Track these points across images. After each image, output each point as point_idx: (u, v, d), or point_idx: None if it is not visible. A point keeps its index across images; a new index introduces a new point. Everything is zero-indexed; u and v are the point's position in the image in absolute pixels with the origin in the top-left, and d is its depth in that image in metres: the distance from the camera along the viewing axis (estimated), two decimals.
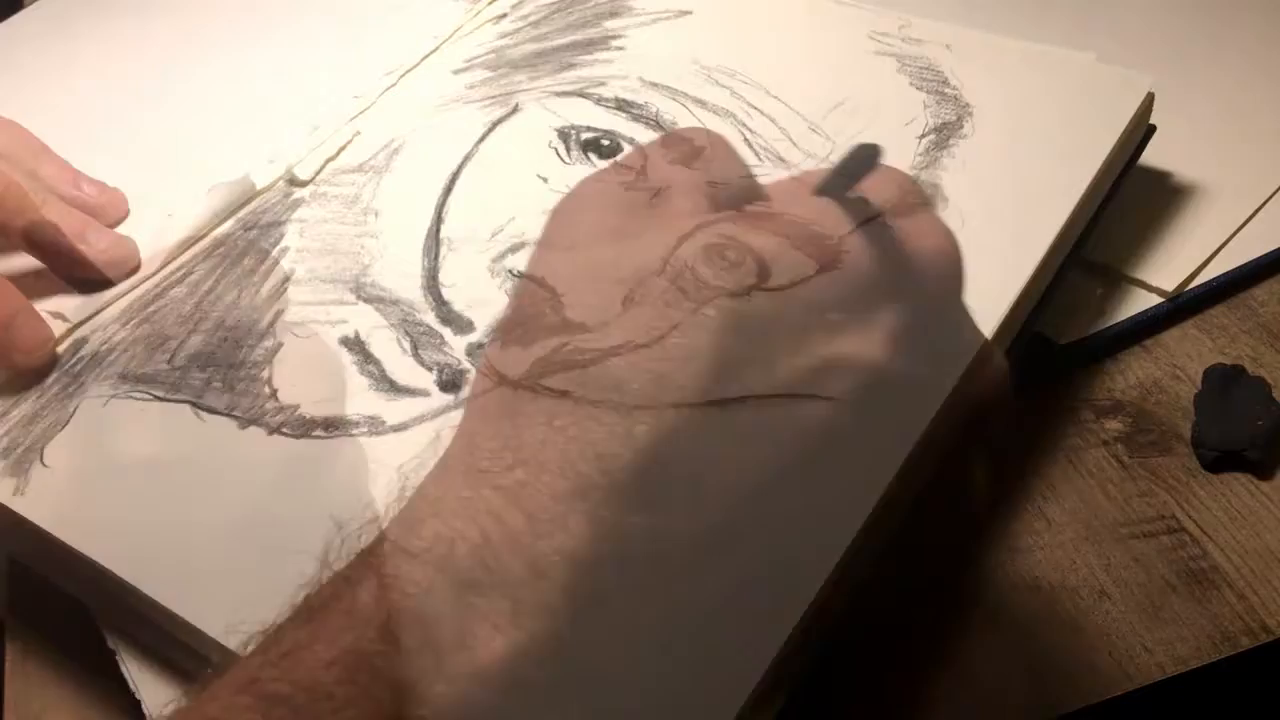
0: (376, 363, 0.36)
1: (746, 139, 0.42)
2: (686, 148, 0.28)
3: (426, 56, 0.48)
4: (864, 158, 0.25)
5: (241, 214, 0.42)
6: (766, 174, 0.41)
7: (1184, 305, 0.42)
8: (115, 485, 0.33)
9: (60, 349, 0.37)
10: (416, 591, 0.20)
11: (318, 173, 0.43)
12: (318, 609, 0.21)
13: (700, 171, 0.27)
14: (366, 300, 0.38)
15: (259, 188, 0.42)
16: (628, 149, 0.42)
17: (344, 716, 0.19)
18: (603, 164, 0.42)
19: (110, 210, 0.41)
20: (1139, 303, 0.42)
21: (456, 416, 0.34)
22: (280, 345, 0.37)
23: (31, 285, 0.39)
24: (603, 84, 0.45)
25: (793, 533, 0.25)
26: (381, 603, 0.20)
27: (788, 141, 0.42)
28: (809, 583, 0.25)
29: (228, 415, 0.35)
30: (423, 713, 0.19)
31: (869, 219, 0.25)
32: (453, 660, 0.20)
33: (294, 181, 0.43)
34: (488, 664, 0.20)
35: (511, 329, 0.24)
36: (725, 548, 0.23)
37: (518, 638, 0.20)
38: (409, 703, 0.19)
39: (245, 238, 0.41)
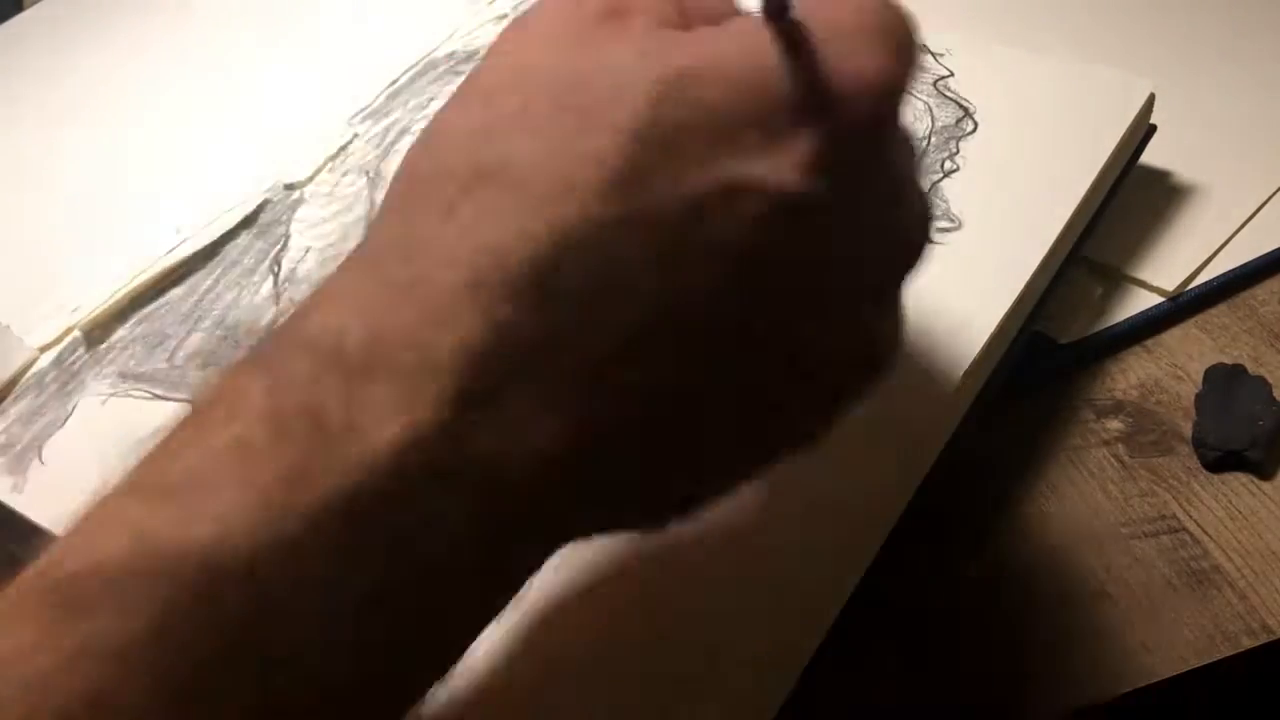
0: None
1: None
2: None
3: (427, 56, 0.48)
4: None
5: (241, 214, 0.41)
6: None
7: (1185, 305, 0.42)
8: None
9: (60, 346, 0.37)
10: (303, 380, 0.20)
11: (317, 172, 0.43)
12: (200, 410, 0.21)
13: None
14: None
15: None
16: None
17: (231, 504, 0.19)
18: None
19: None
20: (1140, 302, 0.42)
21: None
22: None
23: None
24: None
25: None
26: (268, 392, 0.20)
27: None
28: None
29: None
30: (312, 499, 0.19)
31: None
32: (342, 449, 0.19)
33: (292, 184, 0.43)
34: (375, 452, 0.19)
35: None
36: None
37: (405, 425, 0.20)
38: (301, 491, 0.19)
39: (245, 237, 0.41)
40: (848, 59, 0.22)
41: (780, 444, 0.24)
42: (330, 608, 0.19)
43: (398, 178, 0.23)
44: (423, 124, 0.44)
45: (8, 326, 0.38)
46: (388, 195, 0.23)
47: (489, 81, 0.23)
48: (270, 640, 0.19)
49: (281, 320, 0.22)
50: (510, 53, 0.23)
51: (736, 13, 0.25)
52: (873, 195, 0.23)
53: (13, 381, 0.37)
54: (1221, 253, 0.43)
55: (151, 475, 0.20)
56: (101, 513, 0.20)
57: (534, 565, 0.23)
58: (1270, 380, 0.38)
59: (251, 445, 0.19)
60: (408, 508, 0.20)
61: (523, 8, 0.50)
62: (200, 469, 0.20)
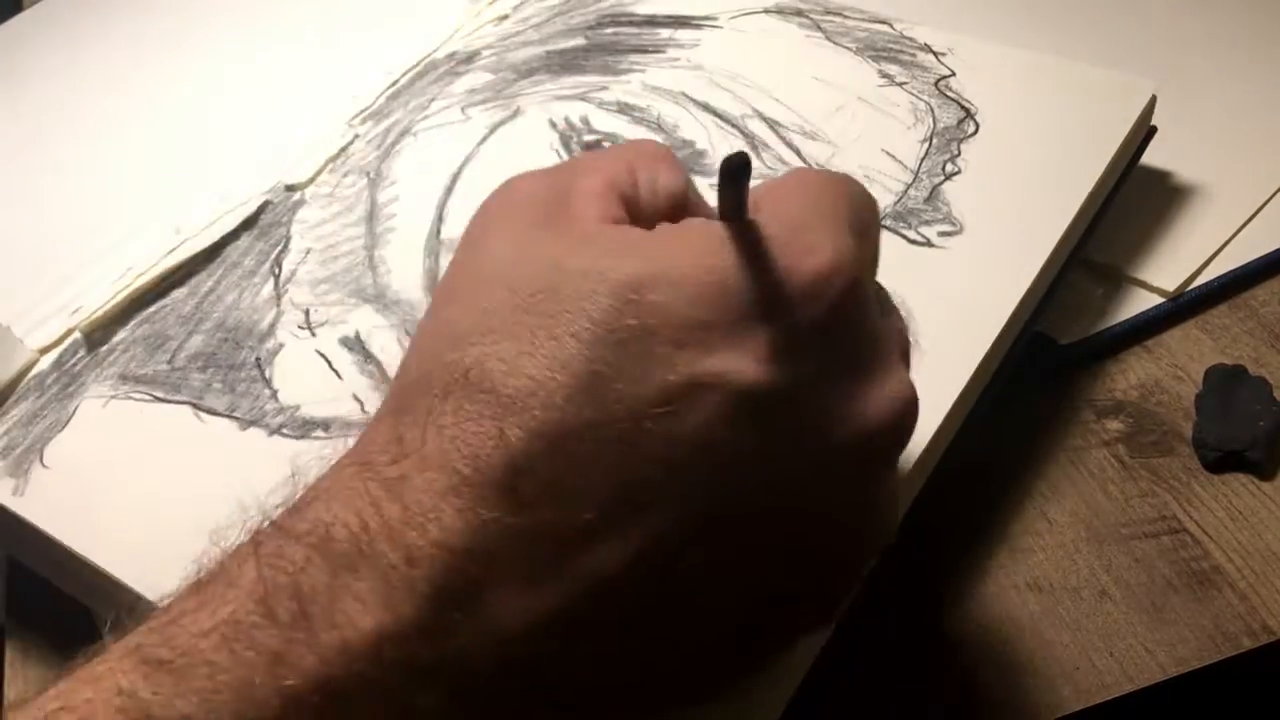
0: (377, 363, 0.36)
1: (749, 142, 0.42)
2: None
3: (427, 57, 0.48)
4: (731, 172, 0.24)
5: (242, 215, 0.41)
6: (770, 175, 0.41)
7: (1185, 305, 0.42)
8: (115, 486, 0.33)
9: (61, 348, 0.37)
10: (293, 567, 0.21)
11: (318, 173, 0.43)
12: (204, 582, 0.22)
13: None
14: (367, 301, 0.38)
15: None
16: None
17: (219, 681, 0.20)
18: None
19: None
20: (1140, 303, 0.42)
21: None
22: (281, 346, 0.37)
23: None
24: (604, 88, 0.45)
25: None
26: (261, 578, 0.21)
27: (787, 145, 0.42)
28: None
29: (228, 416, 0.35)
30: (293, 682, 0.20)
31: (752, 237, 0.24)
32: (324, 636, 0.21)
33: (292, 185, 0.43)
34: (353, 642, 0.21)
35: None
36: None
37: (383, 619, 0.21)
38: (282, 672, 0.20)
39: (246, 239, 0.41)
40: (803, 253, 0.23)
41: (788, 632, 0.25)
42: None
43: (395, 379, 0.25)
44: (423, 124, 0.44)
45: (8, 327, 0.38)
46: (387, 397, 0.24)
47: (460, 283, 0.25)
48: None
49: (283, 508, 0.23)
50: (478, 249, 0.25)
51: (687, 201, 0.26)
52: (840, 379, 0.24)
53: (13, 383, 0.37)
54: (1222, 253, 0.43)
55: (152, 641, 0.21)
56: (101, 670, 0.21)
57: None
58: (1271, 381, 0.38)
59: (242, 625, 0.21)
60: (381, 696, 0.21)
61: (523, 9, 0.50)
62: (195, 644, 0.21)
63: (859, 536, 0.25)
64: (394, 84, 0.47)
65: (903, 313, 0.28)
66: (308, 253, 0.40)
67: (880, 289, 0.28)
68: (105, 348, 0.37)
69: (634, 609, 0.22)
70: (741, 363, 0.22)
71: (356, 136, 0.44)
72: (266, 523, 0.23)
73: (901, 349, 0.26)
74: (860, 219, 0.25)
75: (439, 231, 0.40)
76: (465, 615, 0.21)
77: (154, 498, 0.33)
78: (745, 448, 0.22)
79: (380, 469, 0.22)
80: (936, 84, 0.44)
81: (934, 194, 0.39)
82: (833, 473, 0.24)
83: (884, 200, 0.39)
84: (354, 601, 0.21)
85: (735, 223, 0.24)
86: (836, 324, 0.23)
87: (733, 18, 0.48)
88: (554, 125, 0.44)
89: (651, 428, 0.22)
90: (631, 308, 0.22)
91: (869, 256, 0.26)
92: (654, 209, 0.26)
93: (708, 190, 0.40)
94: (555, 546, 0.22)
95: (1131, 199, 0.43)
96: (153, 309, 0.39)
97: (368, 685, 0.21)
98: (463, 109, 0.45)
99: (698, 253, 0.23)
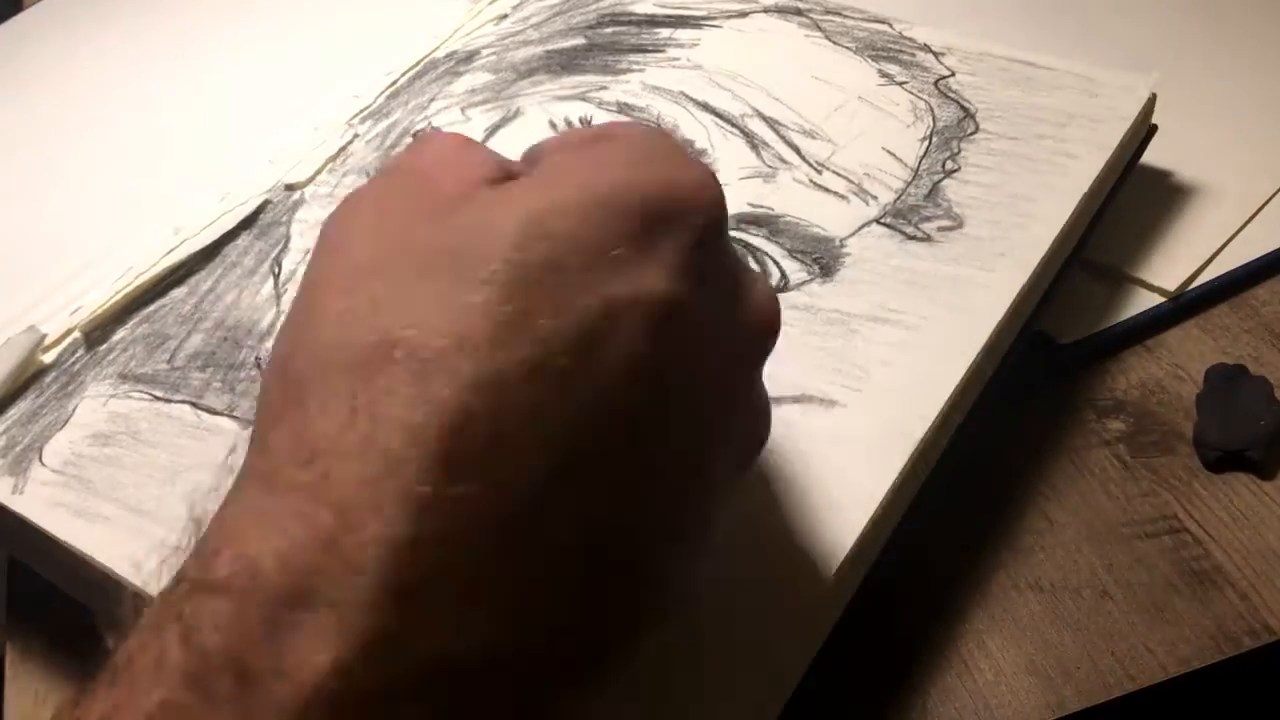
0: None
1: (749, 141, 0.42)
2: None
3: (427, 56, 0.48)
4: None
5: (241, 214, 0.41)
6: (770, 175, 0.41)
7: (1186, 305, 0.42)
8: (114, 485, 0.33)
9: (60, 347, 0.37)
10: (223, 626, 0.19)
11: (317, 173, 0.43)
12: (123, 666, 0.19)
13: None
14: None
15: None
16: None
17: None
18: None
19: None
20: (1140, 302, 0.42)
21: None
22: None
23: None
24: (604, 87, 0.45)
25: None
26: (188, 646, 0.19)
27: (787, 144, 0.42)
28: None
29: (228, 416, 0.35)
30: None
31: None
32: (274, 698, 0.18)
33: (292, 184, 0.43)
34: (309, 688, 0.18)
35: None
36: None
37: (340, 646, 0.18)
38: None
39: (245, 238, 0.41)
40: (679, 168, 0.24)
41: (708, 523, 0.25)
42: None
43: (269, 385, 0.22)
44: (423, 124, 0.44)
45: (33, 326, 0.37)
46: (263, 405, 0.22)
47: (328, 274, 0.23)
48: None
49: (184, 561, 0.20)
50: (345, 243, 0.23)
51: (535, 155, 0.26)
52: (725, 283, 0.25)
53: (26, 382, 0.36)
54: (1222, 253, 0.43)
55: None
56: None
57: None
58: (1271, 380, 0.38)
59: (176, 707, 0.18)
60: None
61: (523, 9, 0.50)
62: None
63: (757, 418, 0.27)
64: (394, 83, 0.47)
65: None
66: (307, 252, 0.40)
67: None
68: (104, 347, 0.37)
69: (592, 550, 0.21)
70: (651, 278, 0.22)
71: (356, 136, 0.44)
72: (177, 583, 0.20)
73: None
74: (687, 153, 0.26)
75: None
76: (425, 613, 0.19)
77: (153, 497, 0.33)
78: (665, 359, 0.22)
79: (292, 475, 0.20)
80: (936, 83, 0.44)
81: (934, 191, 0.39)
82: (732, 371, 0.25)
83: (884, 197, 0.39)
84: (303, 638, 0.18)
85: (612, 138, 0.25)
86: (717, 230, 0.24)
87: (732, 17, 0.48)
88: (554, 125, 0.44)
89: (581, 356, 0.21)
90: (536, 242, 0.21)
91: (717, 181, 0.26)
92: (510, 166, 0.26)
93: None
94: (504, 513, 0.20)
95: (1131, 199, 0.43)
96: (152, 308, 0.39)
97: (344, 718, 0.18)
98: (462, 109, 0.45)
99: (583, 176, 0.23)
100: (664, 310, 0.22)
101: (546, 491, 0.20)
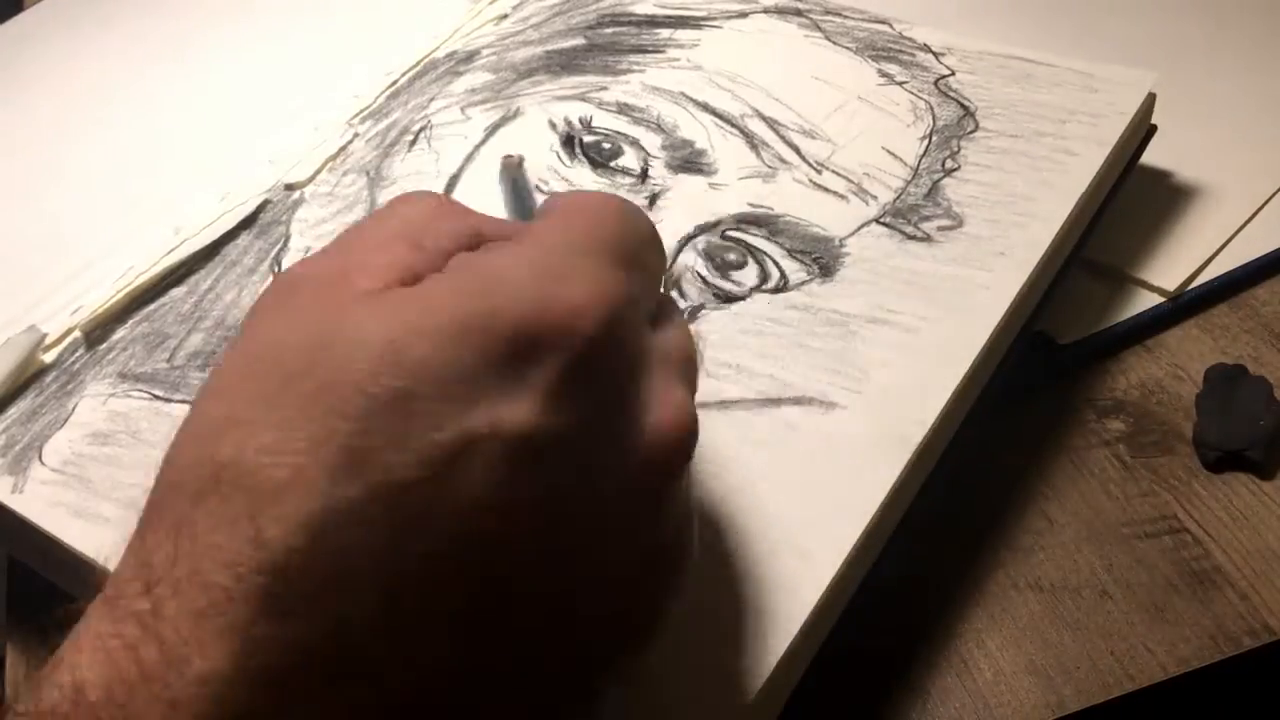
0: None
1: (749, 141, 0.42)
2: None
3: (427, 56, 0.48)
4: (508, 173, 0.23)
5: (242, 214, 0.41)
6: (769, 175, 0.41)
7: (1185, 305, 0.42)
8: (114, 484, 0.33)
9: (60, 346, 0.37)
10: None
11: (318, 173, 0.43)
12: None
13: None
14: None
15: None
16: (629, 152, 0.42)
17: None
18: (603, 168, 0.42)
19: None
20: (1140, 302, 0.42)
21: None
22: None
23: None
24: (604, 88, 0.45)
25: None
26: None
27: (787, 144, 0.42)
28: None
29: None
30: None
31: None
32: None
33: (292, 184, 0.43)
34: None
35: None
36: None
37: None
38: None
39: (246, 238, 0.41)
40: (557, 284, 0.22)
41: (564, 700, 0.23)
42: None
43: (148, 496, 0.22)
44: (422, 124, 0.44)
45: (33, 326, 0.37)
46: (154, 487, 0.21)
47: (227, 374, 0.22)
48: None
49: (39, 672, 0.20)
50: (250, 335, 0.23)
51: (479, 235, 0.25)
52: (607, 411, 0.23)
53: (26, 381, 0.36)
54: (1222, 253, 0.43)
55: None
56: None
57: None
58: (1271, 380, 0.38)
59: None
60: None
61: (522, 9, 0.50)
62: None
63: (654, 565, 0.24)
64: (394, 83, 0.47)
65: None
66: (307, 250, 0.40)
67: (668, 301, 0.27)
68: (104, 346, 0.37)
69: (427, 700, 0.20)
70: (512, 408, 0.21)
71: (356, 135, 0.44)
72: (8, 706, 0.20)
73: (680, 364, 0.25)
74: (625, 247, 0.24)
75: None
76: None
77: None
78: (525, 496, 0.21)
79: (130, 602, 0.19)
80: (936, 83, 0.44)
81: (934, 190, 0.39)
82: (617, 507, 0.22)
83: (884, 197, 0.39)
84: None
85: (496, 251, 0.23)
86: (598, 356, 0.22)
87: (732, 18, 0.48)
88: (553, 126, 0.44)
89: (426, 495, 0.20)
90: (390, 369, 0.20)
91: (637, 285, 0.24)
92: (437, 266, 0.24)
93: (708, 190, 0.41)
94: (332, 653, 0.19)
95: (1131, 199, 0.43)
96: (152, 307, 0.39)
97: None
98: (462, 108, 0.45)
99: (456, 298, 0.22)
100: (524, 443, 0.21)
101: (381, 634, 0.20)
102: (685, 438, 0.24)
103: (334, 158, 0.44)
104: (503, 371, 0.21)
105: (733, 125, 0.43)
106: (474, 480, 0.20)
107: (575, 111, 0.44)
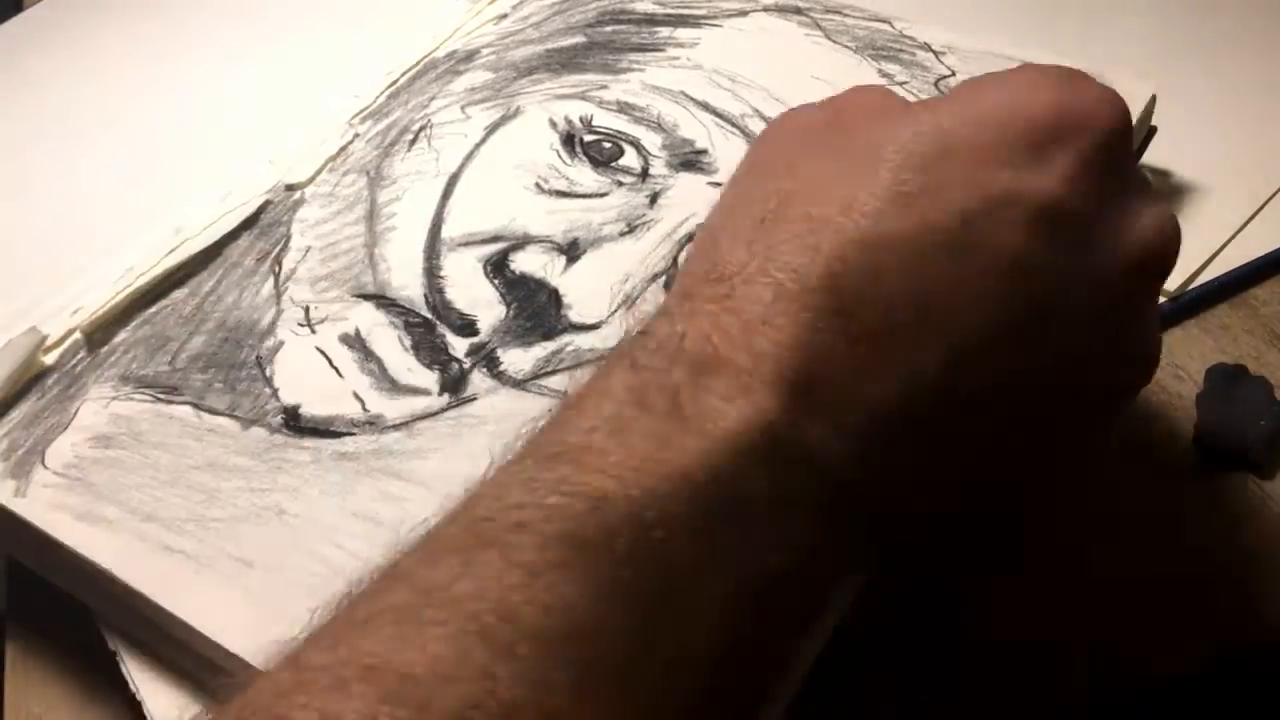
0: (377, 361, 0.36)
1: (749, 141, 0.42)
2: None
3: (427, 56, 0.48)
4: None
5: (243, 215, 0.41)
6: None
7: (1185, 305, 0.42)
8: (117, 487, 0.33)
9: (62, 349, 0.37)
10: (658, 371, 0.24)
11: (318, 173, 0.43)
12: (574, 398, 0.24)
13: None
14: (367, 299, 0.38)
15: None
16: (630, 151, 0.42)
17: (610, 462, 0.22)
18: (603, 166, 0.42)
19: None
20: None
21: (456, 416, 0.35)
22: (281, 344, 0.37)
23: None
24: (604, 87, 0.45)
25: None
26: (631, 381, 0.24)
27: None
28: None
29: (229, 416, 0.35)
30: (680, 461, 0.22)
31: None
32: (696, 424, 0.23)
33: (293, 185, 0.43)
34: (721, 430, 0.22)
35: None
36: None
37: (742, 409, 0.23)
38: (669, 455, 0.22)
39: (247, 238, 0.41)
40: (1085, 86, 0.27)
41: (1056, 449, 0.28)
42: (691, 557, 0.22)
43: (695, 242, 0.28)
44: (423, 123, 0.44)
45: (34, 328, 0.37)
46: (688, 256, 0.28)
47: (750, 159, 0.29)
48: (644, 578, 0.21)
49: (630, 331, 0.26)
50: (765, 139, 0.30)
51: None
52: (1119, 200, 0.27)
53: (28, 384, 0.36)
54: (1222, 253, 0.43)
55: (546, 446, 0.23)
56: (505, 474, 0.23)
57: (841, 573, 0.25)
58: (1271, 380, 0.38)
59: (622, 418, 0.23)
60: (752, 483, 0.23)
61: (522, 8, 0.50)
62: (586, 439, 0.23)
63: (1131, 358, 0.28)
64: (394, 83, 0.47)
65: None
66: (308, 251, 0.40)
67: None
68: (106, 349, 0.37)
69: (946, 407, 0.24)
70: (1036, 181, 0.25)
71: (356, 136, 0.44)
72: (628, 342, 0.25)
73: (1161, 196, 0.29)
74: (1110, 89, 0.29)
75: (439, 231, 0.40)
76: (813, 408, 0.23)
77: (155, 498, 0.33)
78: (1040, 261, 0.25)
79: (707, 289, 0.25)
80: (936, 83, 0.44)
81: None
82: (1112, 288, 0.26)
83: None
84: (717, 399, 0.23)
85: (1019, 67, 0.28)
86: (1112, 147, 0.27)
87: (732, 16, 0.48)
88: (554, 124, 0.44)
89: (951, 237, 0.24)
90: (930, 139, 0.25)
91: (1127, 111, 0.29)
92: None
93: (705, 189, 0.41)
94: (874, 346, 0.24)
95: None
96: (153, 309, 0.39)
97: (740, 473, 0.22)
98: (462, 107, 0.45)
99: (989, 94, 0.27)
100: (1042, 212, 0.25)
101: (908, 341, 0.24)
102: (1176, 242, 0.28)
103: (334, 158, 0.44)
104: (1030, 152, 0.25)
105: (733, 125, 0.43)
106: (996, 233, 0.25)
107: (576, 110, 0.44)
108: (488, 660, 0.20)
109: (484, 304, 0.38)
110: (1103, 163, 0.26)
